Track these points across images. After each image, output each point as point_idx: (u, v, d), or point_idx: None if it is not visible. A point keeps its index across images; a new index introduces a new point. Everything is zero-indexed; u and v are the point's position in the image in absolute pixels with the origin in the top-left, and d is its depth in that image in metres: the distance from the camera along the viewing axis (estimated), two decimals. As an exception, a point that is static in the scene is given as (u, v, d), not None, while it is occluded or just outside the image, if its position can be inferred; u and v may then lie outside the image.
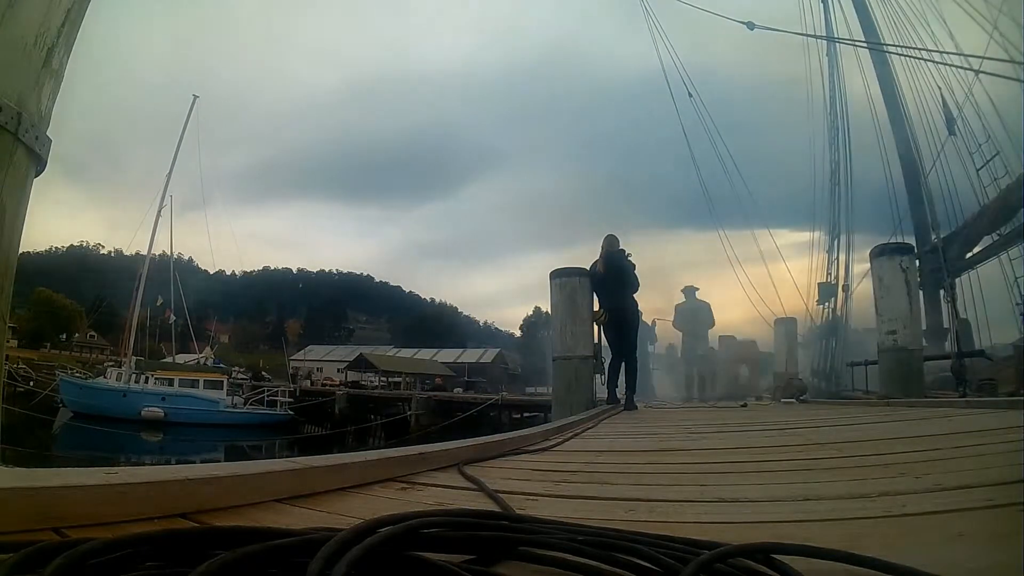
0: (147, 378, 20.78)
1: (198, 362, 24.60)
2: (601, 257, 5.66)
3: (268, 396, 22.19)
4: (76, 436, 16.17)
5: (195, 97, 25.69)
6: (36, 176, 1.15)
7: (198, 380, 21.27)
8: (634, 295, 5.73)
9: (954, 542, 0.73)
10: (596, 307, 5.66)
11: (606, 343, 5.72)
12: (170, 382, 20.91)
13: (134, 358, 22.22)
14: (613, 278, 5.54)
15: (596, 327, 5.58)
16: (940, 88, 8.97)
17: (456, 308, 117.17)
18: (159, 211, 23.66)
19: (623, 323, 5.60)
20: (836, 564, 0.58)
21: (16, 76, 1.06)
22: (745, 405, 5.79)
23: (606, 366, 5.74)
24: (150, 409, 19.06)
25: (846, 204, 10.31)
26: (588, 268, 5.65)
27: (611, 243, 5.73)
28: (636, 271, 5.70)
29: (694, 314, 10.03)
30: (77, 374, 22.21)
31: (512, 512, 0.94)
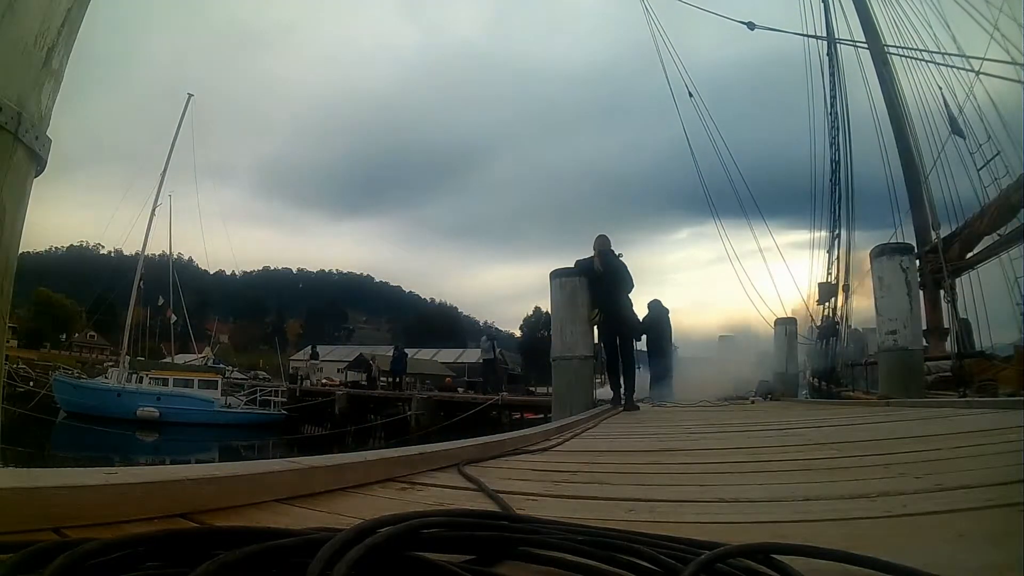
0: (142, 378, 20.73)
1: (205, 362, 24.47)
2: (597, 256, 5.64)
3: (262, 396, 22.13)
4: (71, 436, 16.15)
5: (190, 95, 25.56)
6: (36, 176, 1.15)
7: (193, 380, 21.20)
8: (628, 294, 5.74)
9: (954, 542, 0.73)
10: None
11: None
12: (165, 382, 20.86)
13: (128, 357, 22.16)
14: (609, 279, 5.54)
15: (594, 327, 5.58)
16: (941, 88, 8.99)
17: (456, 308, 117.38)
18: (153, 210, 23.57)
19: (620, 324, 5.60)
20: (836, 564, 0.58)
21: (16, 76, 1.06)
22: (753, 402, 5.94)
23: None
24: (145, 409, 19.03)
25: (846, 204, 10.28)
26: (577, 262, 5.63)
27: (603, 243, 5.72)
28: (628, 270, 5.72)
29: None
30: (80, 376, 22.09)
31: (512, 512, 0.94)
